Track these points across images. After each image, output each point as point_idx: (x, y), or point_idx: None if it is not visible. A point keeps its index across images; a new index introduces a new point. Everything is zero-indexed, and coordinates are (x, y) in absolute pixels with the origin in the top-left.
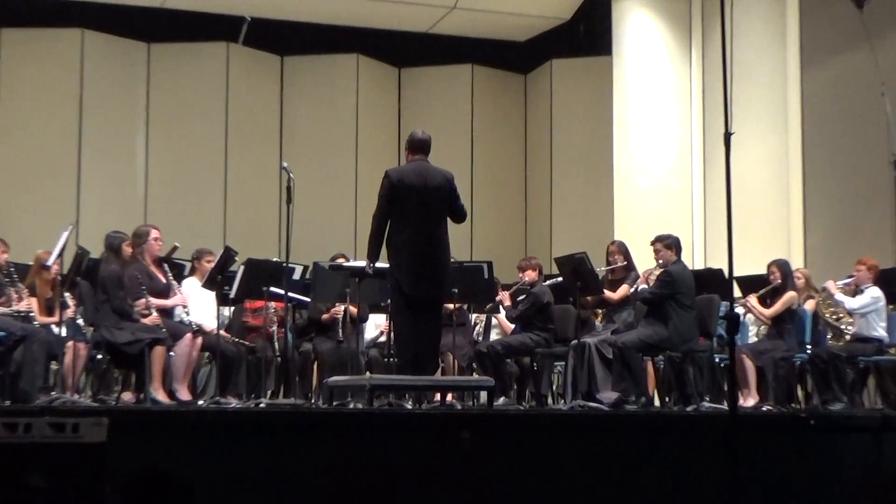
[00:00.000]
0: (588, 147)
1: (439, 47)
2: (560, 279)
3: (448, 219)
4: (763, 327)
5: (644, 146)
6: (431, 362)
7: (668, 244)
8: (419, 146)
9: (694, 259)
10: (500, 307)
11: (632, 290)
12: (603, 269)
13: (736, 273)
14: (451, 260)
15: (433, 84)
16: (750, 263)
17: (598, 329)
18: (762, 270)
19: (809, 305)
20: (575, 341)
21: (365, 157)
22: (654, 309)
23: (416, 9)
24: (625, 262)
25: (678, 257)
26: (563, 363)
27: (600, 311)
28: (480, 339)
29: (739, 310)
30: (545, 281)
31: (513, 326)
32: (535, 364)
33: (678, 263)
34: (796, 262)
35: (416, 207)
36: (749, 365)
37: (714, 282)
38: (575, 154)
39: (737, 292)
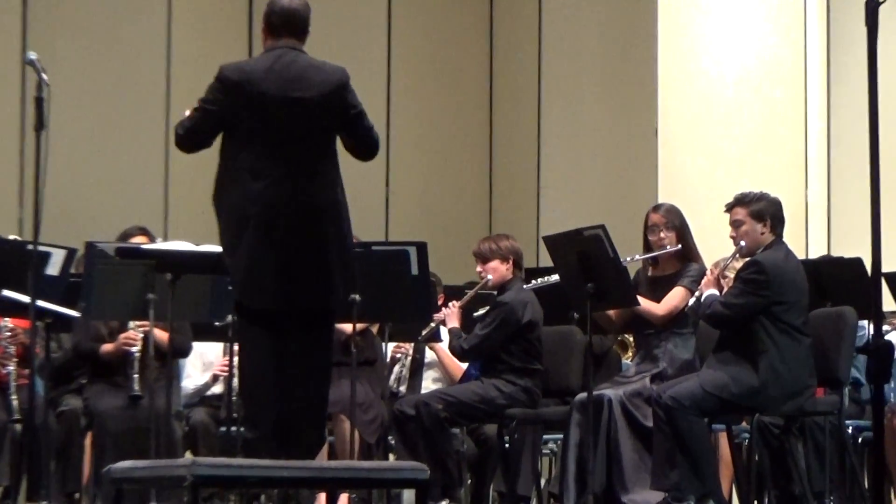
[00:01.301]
0: (608, 29)
1: None
2: (554, 276)
3: (349, 155)
4: None
5: (712, 25)
6: (311, 433)
7: (757, 211)
8: (286, 23)
9: (808, 241)
10: (442, 330)
11: (692, 298)
12: (637, 256)
13: (888, 266)
14: (353, 240)
15: None
16: None
17: (628, 371)
18: None
19: None
20: (583, 395)
21: (183, 49)
22: (731, 334)
23: None
24: (678, 246)
25: (777, 235)
26: (562, 437)
27: (631, 337)
28: (403, 389)
29: (893, 335)
30: (527, 281)
31: (464, 366)
32: (506, 438)
33: (777, 248)
34: None
35: (276, 137)
36: None
37: (846, 282)
38: (583, 45)
39: (889, 303)
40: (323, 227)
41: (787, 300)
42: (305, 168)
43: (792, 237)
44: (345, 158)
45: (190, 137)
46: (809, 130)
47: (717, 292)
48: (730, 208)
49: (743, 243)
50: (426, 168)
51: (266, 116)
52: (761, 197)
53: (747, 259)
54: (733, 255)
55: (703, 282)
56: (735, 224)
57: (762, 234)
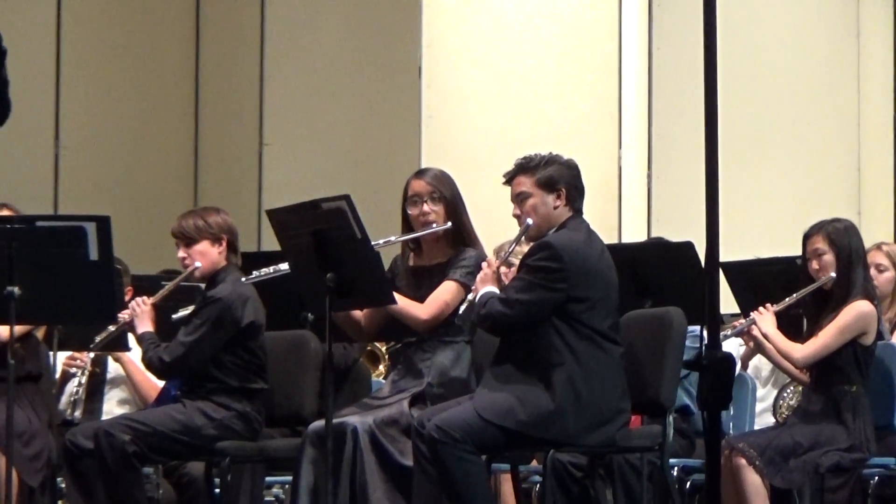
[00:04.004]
0: None
1: None
2: (283, 265)
3: None
4: (791, 390)
5: None
6: None
7: (546, 179)
8: None
9: (622, 219)
10: (127, 339)
11: (467, 297)
12: (393, 238)
13: (727, 253)
14: None
15: None
16: (764, 231)
17: (381, 391)
18: (794, 247)
19: None
20: (319, 423)
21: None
22: (515, 342)
23: None
24: (448, 224)
25: (576, 211)
26: (291, 479)
27: (384, 346)
28: (78, 415)
29: (734, 345)
30: (246, 271)
31: (161, 384)
32: (217, 480)
33: (575, 226)
34: (882, 230)
35: None
36: (755, 484)
37: (671, 275)
38: None
39: (729, 304)
40: None
41: (589, 295)
42: None
43: (598, 214)
44: None
45: None
46: (625, 71)
47: (496, 290)
48: (510, 178)
49: (530, 221)
50: (107, 116)
51: None
52: (551, 160)
53: (537, 241)
54: (518, 238)
55: (478, 278)
56: (519, 198)
57: (555, 208)
